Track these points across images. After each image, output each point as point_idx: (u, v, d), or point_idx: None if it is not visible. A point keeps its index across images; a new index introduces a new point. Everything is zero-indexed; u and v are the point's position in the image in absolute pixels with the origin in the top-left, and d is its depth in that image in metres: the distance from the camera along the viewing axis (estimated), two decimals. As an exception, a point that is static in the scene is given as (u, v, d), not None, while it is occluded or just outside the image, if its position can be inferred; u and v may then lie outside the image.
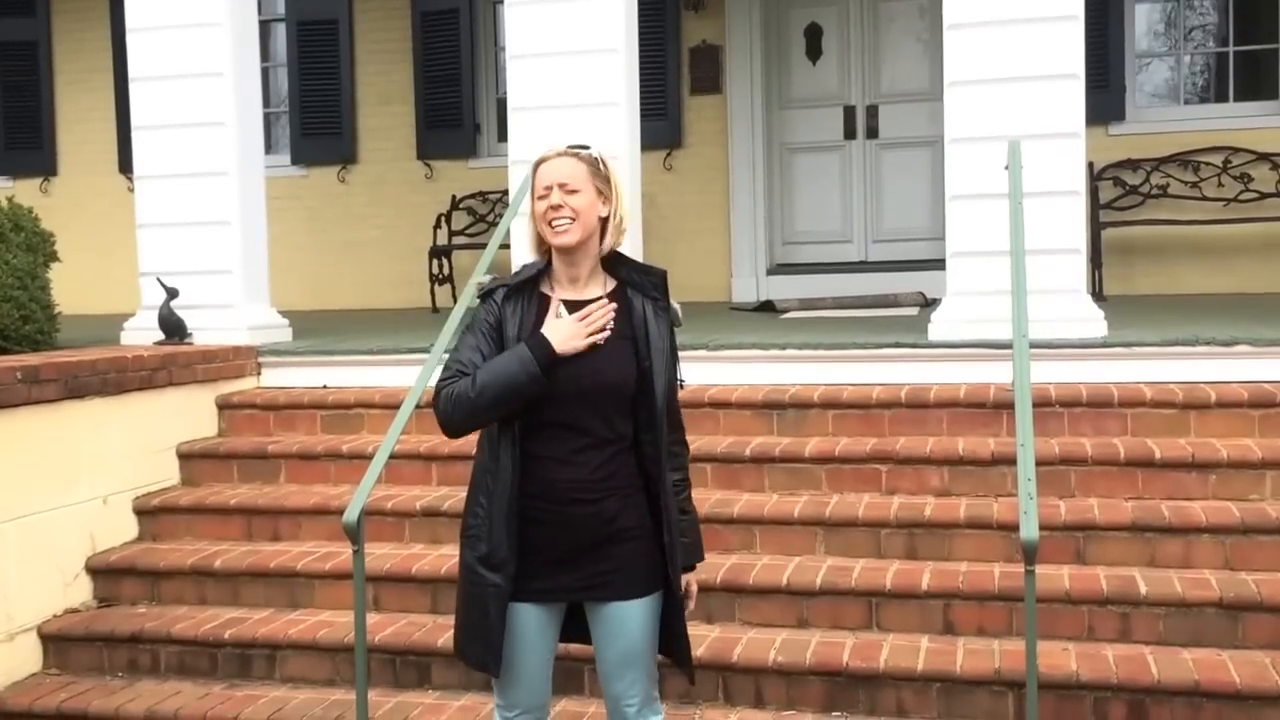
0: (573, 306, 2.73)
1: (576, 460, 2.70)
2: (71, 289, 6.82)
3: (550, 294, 2.78)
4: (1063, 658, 3.75)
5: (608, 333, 2.69)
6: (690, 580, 2.93)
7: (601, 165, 2.77)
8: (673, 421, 2.84)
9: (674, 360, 2.84)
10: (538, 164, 2.77)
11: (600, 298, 2.75)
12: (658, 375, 2.74)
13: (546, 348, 2.64)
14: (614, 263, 2.83)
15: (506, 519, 2.70)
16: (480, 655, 2.77)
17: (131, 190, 6.46)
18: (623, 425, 2.74)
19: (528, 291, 2.79)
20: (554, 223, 2.71)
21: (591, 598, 2.79)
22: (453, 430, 2.76)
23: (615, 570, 2.74)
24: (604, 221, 2.76)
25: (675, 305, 2.87)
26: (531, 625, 2.77)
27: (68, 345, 5.65)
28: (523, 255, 5.67)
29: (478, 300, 2.84)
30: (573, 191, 2.71)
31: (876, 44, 8.74)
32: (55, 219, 6.58)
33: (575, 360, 2.67)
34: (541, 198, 2.73)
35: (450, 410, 2.70)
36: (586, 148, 2.79)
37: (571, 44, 5.59)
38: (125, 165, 9.35)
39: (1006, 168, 4.66)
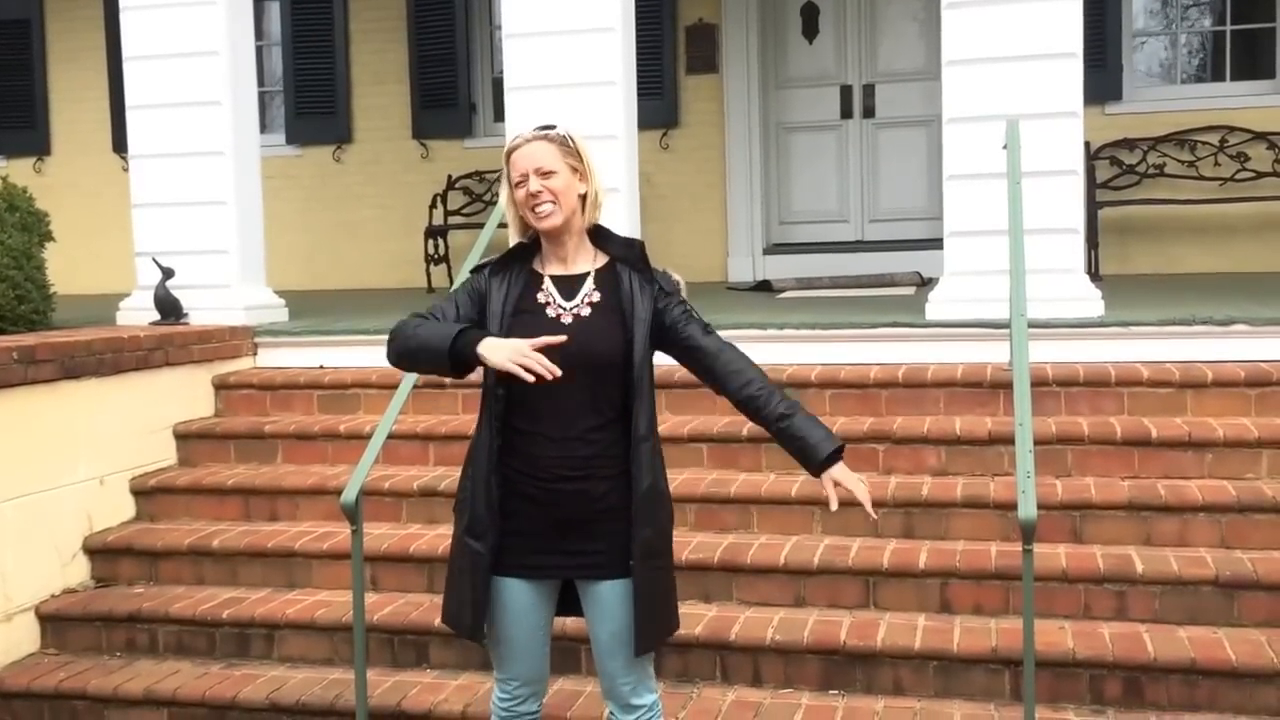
0: (561, 281, 2.78)
1: (564, 437, 2.72)
2: (65, 269, 6.79)
3: (541, 271, 2.81)
4: (1059, 636, 3.77)
5: (540, 376, 2.57)
6: (840, 479, 2.73)
7: (571, 143, 2.78)
8: (717, 346, 2.80)
9: (685, 315, 2.80)
10: (509, 151, 2.79)
11: (588, 272, 2.78)
12: (638, 346, 2.73)
13: (473, 344, 2.64)
14: (600, 237, 2.86)
15: (486, 489, 2.75)
16: (468, 625, 2.82)
17: (125, 170, 6.44)
18: (611, 403, 2.74)
19: (516, 267, 2.82)
20: (536, 208, 2.74)
21: (582, 576, 2.80)
22: (389, 357, 2.82)
23: (606, 549, 2.75)
24: (583, 198, 2.78)
25: (678, 279, 2.85)
26: (524, 600, 2.81)
27: (63, 325, 5.63)
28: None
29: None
30: (548, 174, 2.73)
31: (873, 23, 8.70)
32: (49, 199, 6.55)
33: (560, 326, 2.71)
34: (519, 184, 2.76)
35: (391, 339, 2.80)
36: (553, 127, 2.80)
37: (568, 22, 5.56)
38: (119, 145, 9.32)
39: (1005, 147, 4.65)
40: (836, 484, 2.74)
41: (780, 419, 2.76)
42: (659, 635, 2.84)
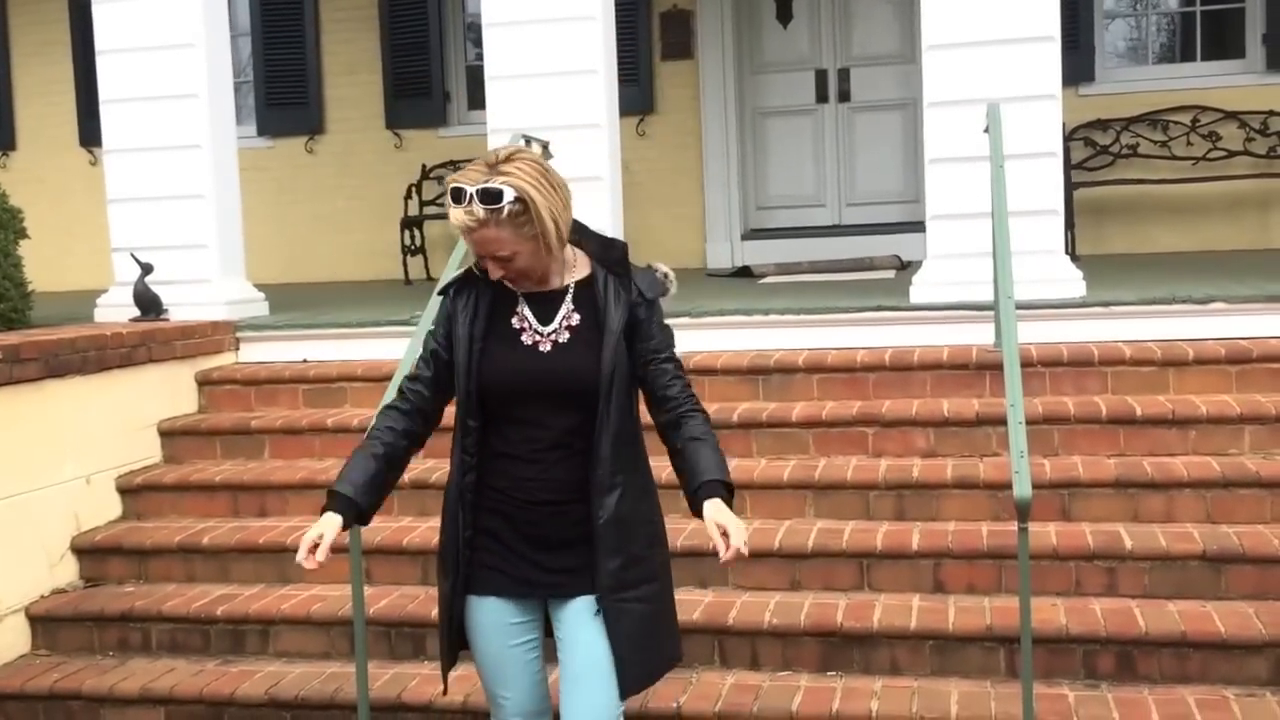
0: (537, 300, 2.56)
1: (542, 459, 2.55)
2: (34, 266, 6.69)
3: (514, 288, 2.58)
4: (1052, 612, 3.81)
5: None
6: (718, 517, 2.43)
7: (529, 209, 2.41)
8: (671, 391, 2.59)
9: (661, 330, 2.61)
10: (462, 229, 2.44)
11: (567, 287, 2.57)
12: (605, 359, 2.52)
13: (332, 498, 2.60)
14: (576, 231, 2.60)
15: (454, 527, 2.63)
16: (443, 660, 2.77)
17: (94, 164, 6.39)
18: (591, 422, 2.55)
19: (482, 283, 2.58)
20: (497, 276, 2.54)
21: (558, 594, 2.61)
22: None
23: (582, 565, 2.56)
24: (549, 242, 2.49)
25: (667, 270, 2.65)
26: (500, 617, 2.63)
27: (42, 324, 5.57)
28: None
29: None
30: (509, 258, 2.46)
31: (847, 7, 8.71)
32: (17, 195, 6.44)
33: (538, 355, 2.53)
34: (479, 255, 2.51)
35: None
36: (501, 194, 2.39)
37: (549, 11, 5.54)
38: (86, 139, 9.21)
39: (986, 130, 4.68)
40: (719, 526, 2.42)
41: (691, 439, 2.53)
42: (641, 675, 2.61)
